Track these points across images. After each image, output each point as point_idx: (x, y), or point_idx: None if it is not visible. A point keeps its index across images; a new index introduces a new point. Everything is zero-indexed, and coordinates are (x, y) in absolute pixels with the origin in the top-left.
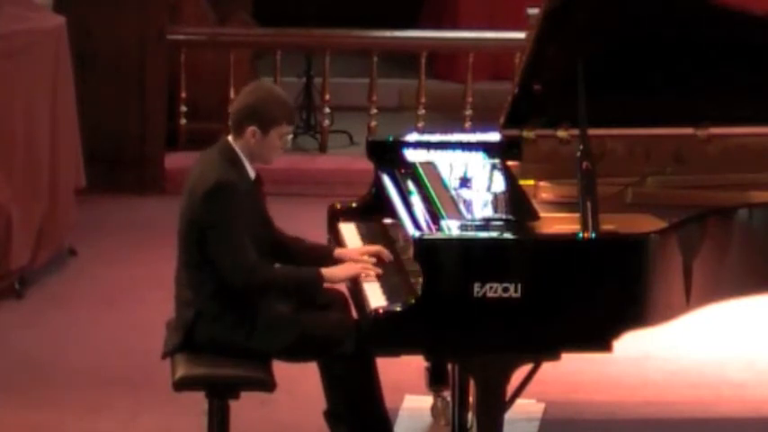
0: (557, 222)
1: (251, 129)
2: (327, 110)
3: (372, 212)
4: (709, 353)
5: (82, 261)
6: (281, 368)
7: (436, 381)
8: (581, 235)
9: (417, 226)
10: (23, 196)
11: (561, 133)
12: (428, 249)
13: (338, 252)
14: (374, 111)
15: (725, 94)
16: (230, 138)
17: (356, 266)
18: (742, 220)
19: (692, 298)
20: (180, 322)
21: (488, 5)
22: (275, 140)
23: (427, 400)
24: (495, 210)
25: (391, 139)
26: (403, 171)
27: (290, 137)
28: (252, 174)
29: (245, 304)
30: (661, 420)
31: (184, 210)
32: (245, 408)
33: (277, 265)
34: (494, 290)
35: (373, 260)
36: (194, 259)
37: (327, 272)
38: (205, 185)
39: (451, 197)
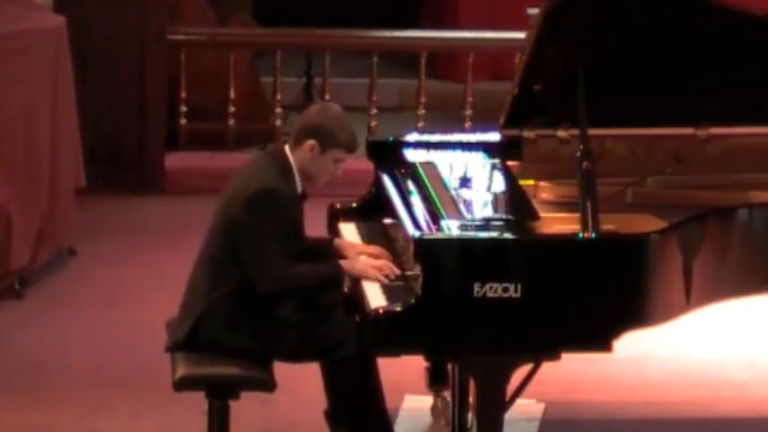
0: (557, 222)
1: (310, 143)
2: None
3: (372, 212)
4: (709, 353)
5: (82, 261)
6: (281, 368)
7: (436, 381)
8: (581, 235)
9: (417, 226)
10: (23, 196)
11: (561, 133)
12: (428, 249)
13: (337, 242)
14: (374, 111)
15: (725, 94)
16: (287, 148)
17: (377, 263)
18: (742, 220)
19: (691, 298)
20: (186, 315)
21: (488, 5)
22: (329, 162)
23: (427, 400)
24: (495, 210)
25: (391, 139)
26: (403, 171)
27: (341, 165)
28: (300, 187)
29: (253, 307)
30: (661, 420)
31: (225, 206)
32: (245, 408)
33: None
34: (494, 290)
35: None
36: (221, 256)
37: (346, 264)
38: (252, 188)
39: (451, 197)
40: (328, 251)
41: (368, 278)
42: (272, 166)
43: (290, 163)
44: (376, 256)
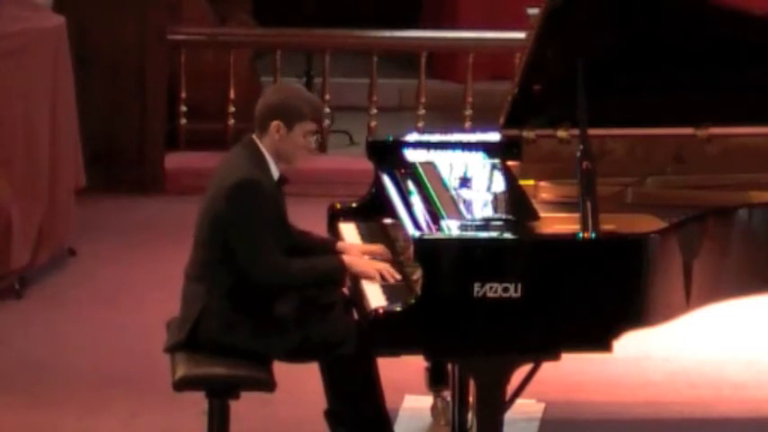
0: (557, 222)
1: (275, 123)
2: (327, 110)
3: (372, 212)
4: (709, 353)
5: (82, 261)
6: (281, 368)
7: (436, 381)
8: (581, 235)
9: (417, 226)
10: (23, 196)
11: (561, 133)
12: (428, 249)
13: (340, 245)
14: (374, 111)
15: (725, 94)
16: (255, 136)
17: (378, 264)
18: (742, 220)
19: (691, 298)
20: (185, 317)
21: (488, 5)
22: (299, 137)
23: (427, 400)
24: (495, 210)
25: (391, 139)
26: (403, 171)
27: (316, 137)
28: (276, 174)
29: (252, 306)
30: (661, 420)
31: (208, 206)
32: (245, 408)
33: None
34: (494, 290)
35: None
36: (213, 256)
37: (349, 260)
38: (229, 182)
39: (451, 197)
40: (330, 252)
41: (367, 277)
42: (245, 157)
43: (261, 151)
44: (378, 255)
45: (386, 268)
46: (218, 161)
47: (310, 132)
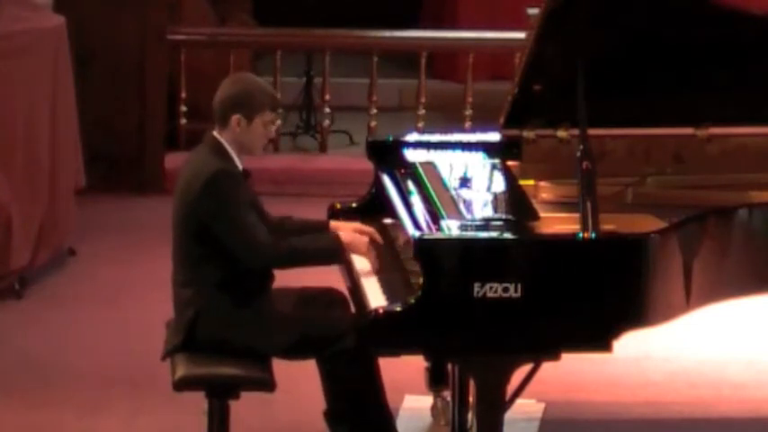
0: (557, 222)
1: (236, 117)
2: (327, 110)
3: (372, 212)
4: (709, 353)
5: (82, 261)
6: (281, 368)
7: (436, 381)
8: (581, 235)
9: (417, 226)
10: (23, 196)
11: (561, 133)
12: (428, 249)
13: (334, 225)
14: (374, 111)
15: (725, 94)
16: (215, 132)
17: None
18: (742, 220)
19: (691, 298)
20: (180, 323)
21: (488, 5)
22: (259, 128)
23: (427, 400)
24: (495, 210)
25: (391, 139)
26: (403, 171)
27: (276, 124)
28: (240, 166)
29: (248, 302)
30: (661, 420)
31: (180, 208)
32: (245, 408)
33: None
34: (494, 290)
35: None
36: (194, 256)
37: (344, 236)
38: (203, 178)
39: (451, 197)
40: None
41: (360, 254)
42: (209, 154)
43: (223, 145)
44: (370, 236)
45: (378, 256)
46: (183, 163)
47: (270, 122)
